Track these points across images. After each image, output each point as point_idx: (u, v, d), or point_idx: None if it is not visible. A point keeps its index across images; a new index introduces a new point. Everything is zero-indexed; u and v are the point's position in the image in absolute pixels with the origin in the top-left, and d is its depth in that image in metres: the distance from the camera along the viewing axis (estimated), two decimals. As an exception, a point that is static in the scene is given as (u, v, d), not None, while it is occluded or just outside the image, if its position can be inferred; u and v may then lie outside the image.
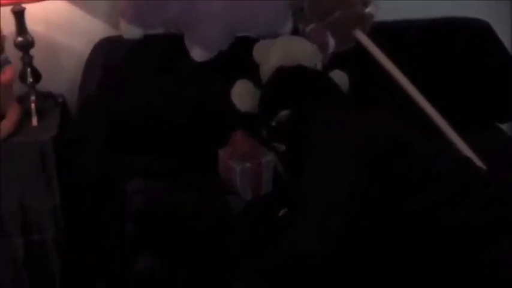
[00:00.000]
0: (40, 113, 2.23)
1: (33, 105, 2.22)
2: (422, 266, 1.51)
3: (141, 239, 1.78)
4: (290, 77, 2.13)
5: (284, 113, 2.03)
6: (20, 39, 2.20)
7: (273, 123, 2.05)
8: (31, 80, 2.24)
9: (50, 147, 2.12)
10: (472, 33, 2.62)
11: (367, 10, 2.39)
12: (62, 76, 2.45)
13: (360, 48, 2.35)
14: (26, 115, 2.21)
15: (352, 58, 2.35)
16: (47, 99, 2.33)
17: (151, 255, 1.73)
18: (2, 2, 2.07)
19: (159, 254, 1.74)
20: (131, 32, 2.26)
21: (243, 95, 2.21)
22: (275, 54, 2.21)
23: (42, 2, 2.16)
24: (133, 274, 1.72)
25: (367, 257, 1.53)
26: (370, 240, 1.54)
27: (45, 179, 2.13)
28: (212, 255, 1.71)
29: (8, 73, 2.18)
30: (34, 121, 2.21)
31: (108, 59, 2.27)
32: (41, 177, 2.13)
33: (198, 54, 2.28)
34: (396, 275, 1.51)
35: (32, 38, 2.22)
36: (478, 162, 2.00)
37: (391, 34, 2.50)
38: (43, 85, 2.30)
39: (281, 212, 1.88)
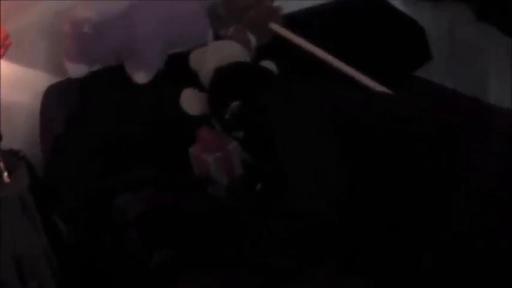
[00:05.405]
0: (8, 169, 2.34)
1: (1, 163, 2.34)
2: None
3: (148, 240, 1.95)
4: (230, 72, 2.36)
5: (235, 104, 2.24)
6: (-25, 105, 2.30)
7: (227, 116, 2.27)
8: (-5, 141, 2.34)
9: (28, 193, 2.26)
10: (371, 6, 2.97)
11: (275, 4, 2.68)
12: (18, 132, 2.56)
13: (277, 37, 2.63)
14: (-5, 176, 2.32)
15: (274, 47, 2.61)
16: (10, 156, 2.42)
17: (161, 250, 1.89)
18: None
19: (168, 247, 1.90)
20: (77, 70, 2.45)
21: (191, 101, 2.39)
22: (210, 59, 2.42)
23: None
24: (148, 272, 1.86)
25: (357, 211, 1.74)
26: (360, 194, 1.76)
27: (31, 224, 2.26)
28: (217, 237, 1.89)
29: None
30: (5, 178, 2.33)
31: (61, 100, 2.43)
32: (27, 224, 2.26)
33: (140, 76, 2.48)
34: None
35: (-14, 101, 2.31)
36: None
37: (304, 21, 2.79)
38: (3, 144, 2.39)
39: (258, 187, 2.10)
